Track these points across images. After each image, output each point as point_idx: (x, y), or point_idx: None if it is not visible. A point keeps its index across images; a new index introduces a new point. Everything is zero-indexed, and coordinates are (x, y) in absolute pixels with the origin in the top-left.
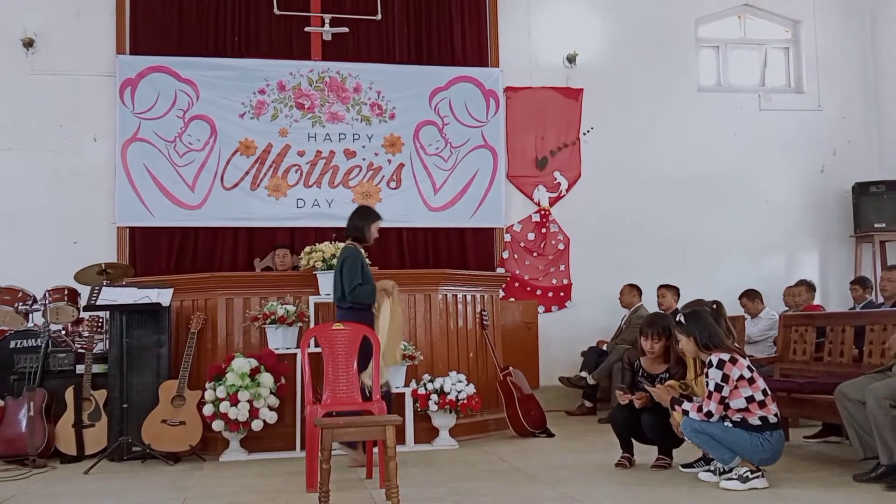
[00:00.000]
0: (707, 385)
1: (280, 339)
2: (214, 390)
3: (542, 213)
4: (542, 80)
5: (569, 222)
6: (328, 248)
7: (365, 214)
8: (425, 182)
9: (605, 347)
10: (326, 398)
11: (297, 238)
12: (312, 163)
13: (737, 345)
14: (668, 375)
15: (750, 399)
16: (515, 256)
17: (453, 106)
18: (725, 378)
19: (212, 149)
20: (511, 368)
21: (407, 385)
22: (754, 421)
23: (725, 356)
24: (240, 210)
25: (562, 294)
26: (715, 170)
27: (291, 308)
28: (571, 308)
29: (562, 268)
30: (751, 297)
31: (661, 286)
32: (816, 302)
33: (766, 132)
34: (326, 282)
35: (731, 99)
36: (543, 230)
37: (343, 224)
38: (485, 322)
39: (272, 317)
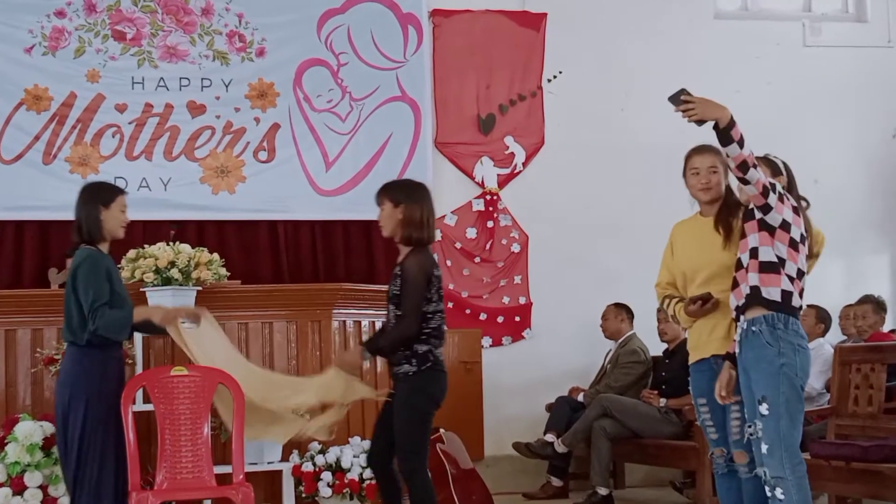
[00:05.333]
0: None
1: None
2: None
3: (489, 198)
4: (486, 0)
5: (527, 212)
6: (163, 252)
7: (92, 195)
8: (312, 152)
9: (580, 398)
10: (162, 480)
11: None
12: (139, 122)
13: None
14: None
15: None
16: (448, 263)
17: (354, 37)
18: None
19: None
20: (442, 432)
21: (286, 459)
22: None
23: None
24: (26, 194)
25: (517, 319)
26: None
27: None
28: (531, 339)
29: (517, 280)
30: (816, 318)
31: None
32: (890, 327)
33: (813, 79)
34: (159, 302)
35: (764, 30)
36: (490, 224)
37: (185, 215)
38: None
39: None
